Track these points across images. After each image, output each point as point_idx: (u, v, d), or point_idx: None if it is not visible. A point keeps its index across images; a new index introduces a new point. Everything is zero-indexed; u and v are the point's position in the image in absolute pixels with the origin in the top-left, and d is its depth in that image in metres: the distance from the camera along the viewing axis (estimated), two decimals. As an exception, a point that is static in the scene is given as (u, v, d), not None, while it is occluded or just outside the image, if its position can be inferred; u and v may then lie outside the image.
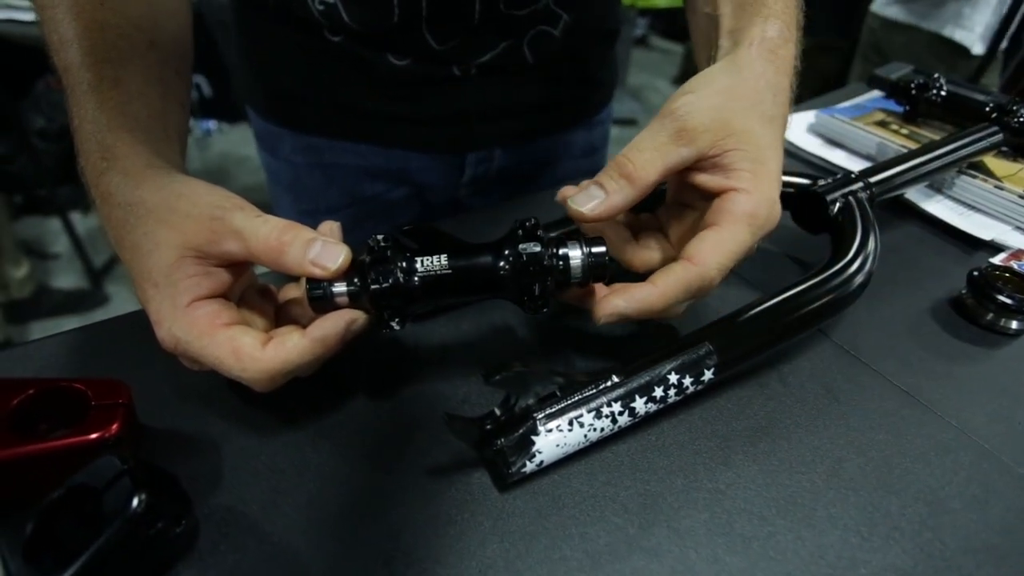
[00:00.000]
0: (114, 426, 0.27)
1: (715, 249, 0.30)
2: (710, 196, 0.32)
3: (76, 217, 1.80)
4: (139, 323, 0.29)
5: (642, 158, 0.30)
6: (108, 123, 0.31)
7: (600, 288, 0.32)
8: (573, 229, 0.38)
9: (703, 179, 0.32)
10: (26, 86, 1.86)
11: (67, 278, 1.76)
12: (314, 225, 0.30)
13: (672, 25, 3.69)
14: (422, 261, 0.29)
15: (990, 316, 0.41)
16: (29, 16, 1.61)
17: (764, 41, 0.33)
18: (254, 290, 0.33)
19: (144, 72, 0.33)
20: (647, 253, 0.35)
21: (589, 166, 0.69)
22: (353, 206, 0.62)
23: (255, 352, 0.27)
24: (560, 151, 0.66)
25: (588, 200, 0.31)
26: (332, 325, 0.28)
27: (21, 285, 1.58)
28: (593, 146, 0.69)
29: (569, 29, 0.54)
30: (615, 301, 0.31)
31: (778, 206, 0.32)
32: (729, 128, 0.31)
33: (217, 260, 0.29)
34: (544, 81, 0.58)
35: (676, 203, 0.36)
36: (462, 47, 0.51)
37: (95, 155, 0.30)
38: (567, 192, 0.34)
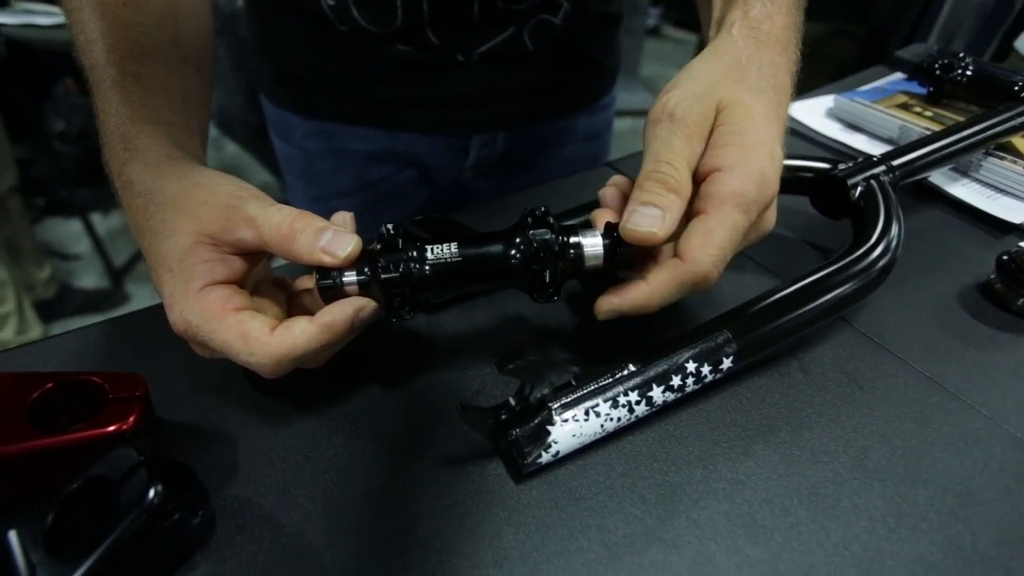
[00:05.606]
0: (131, 418, 0.28)
1: (705, 242, 0.28)
2: (701, 180, 0.30)
3: (97, 218, 1.83)
4: (156, 318, 0.29)
5: (673, 169, 0.29)
6: (131, 116, 0.31)
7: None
8: (585, 219, 0.37)
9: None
10: (46, 89, 1.90)
11: (89, 278, 1.79)
12: (327, 211, 0.30)
13: (685, 15, 3.64)
14: (432, 249, 0.29)
15: (1021, 301, 0.40)
16: (47, 20, 1.63)
17: (745, 20, 0.33)
18: (269, 282, 0.33)
19: (166, 68, 0.34)
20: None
21: (592, 151, 0.70)
22: (364, 191, 0.63)
23: (262, 336, 0.27)
24: (563, 135, 0.66)
25: (650, 221, 0.28)
26: (340, 311, 0.28)
27: (45, 286, 1.62)
28: (596, 131, 0.69)
29: (570, 16, 0.55)
30: (611, 299, 0.30)
31: (771, 175, 0.29)
32: (719, 106, 0.30)
33: (231, 247, 0.29)
34: (546, 66, 0.58)
35: None
36: (464, 41, 0.53)
37: (118, 146, 0.31)
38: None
